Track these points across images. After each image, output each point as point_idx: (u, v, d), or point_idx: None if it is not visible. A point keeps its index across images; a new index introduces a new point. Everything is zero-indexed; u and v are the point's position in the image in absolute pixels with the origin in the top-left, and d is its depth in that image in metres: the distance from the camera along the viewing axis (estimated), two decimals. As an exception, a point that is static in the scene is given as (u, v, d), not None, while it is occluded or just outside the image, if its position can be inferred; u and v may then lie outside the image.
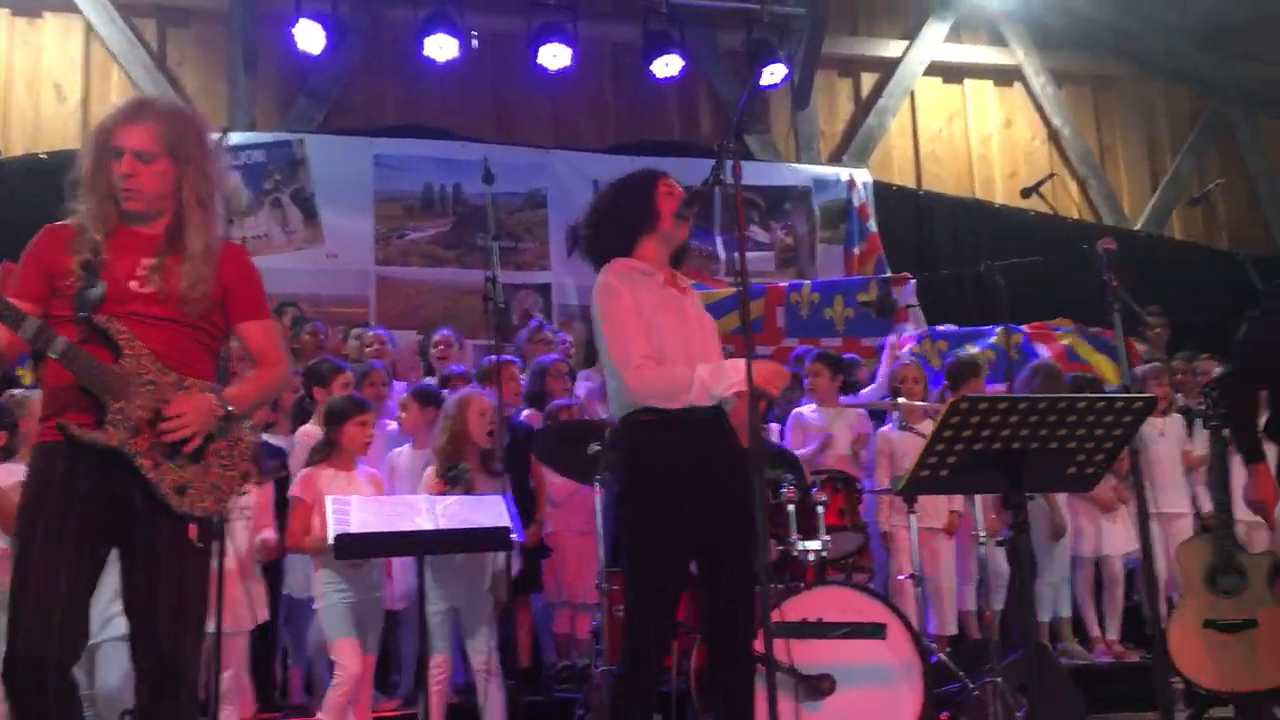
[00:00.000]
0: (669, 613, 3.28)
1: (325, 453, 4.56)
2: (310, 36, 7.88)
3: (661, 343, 3.26)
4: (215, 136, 2.96)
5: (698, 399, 3.16)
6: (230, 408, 2.78)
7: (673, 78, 8.54)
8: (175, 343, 2.75)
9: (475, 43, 8.21)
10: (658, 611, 3.23)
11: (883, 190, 9.20)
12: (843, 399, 6.32)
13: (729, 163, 2.98)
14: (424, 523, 3.99)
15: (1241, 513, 5.89)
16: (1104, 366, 7.09)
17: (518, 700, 4.73)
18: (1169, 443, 6.28)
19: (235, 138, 7.76)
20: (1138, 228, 9.86)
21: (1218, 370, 6.56)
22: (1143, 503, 4.05)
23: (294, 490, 4.45)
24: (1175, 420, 6.38)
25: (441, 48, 8.00)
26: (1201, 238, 9.87)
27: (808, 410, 6.10)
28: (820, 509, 4.42)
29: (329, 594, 4.32)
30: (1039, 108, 9.93)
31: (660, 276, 3.39)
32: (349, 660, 4.27)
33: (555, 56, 8.14)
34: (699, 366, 3.18)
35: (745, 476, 2.99)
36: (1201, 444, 6.03)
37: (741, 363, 3.06)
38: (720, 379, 3.16)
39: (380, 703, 4.96)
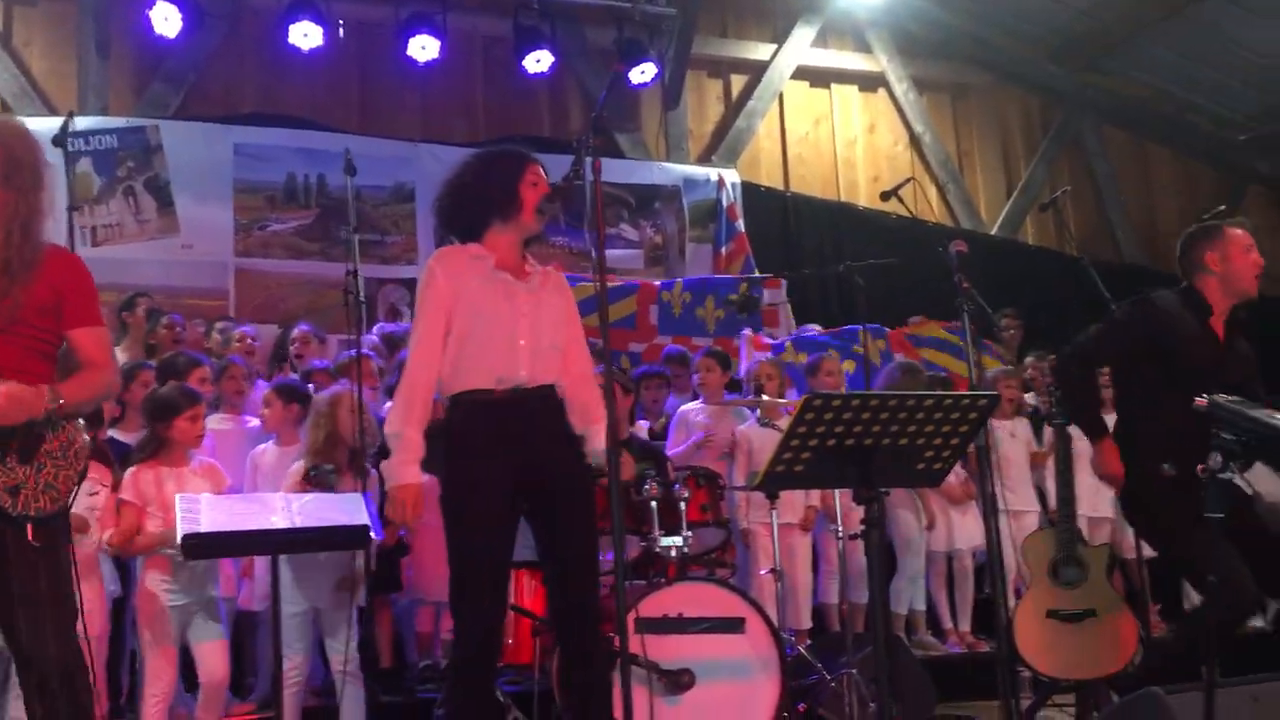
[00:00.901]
0: (492, 589, 3.25)
1: (152, 449, 4.38)
2: (167, 19, 7.61)
3: (476, 327, 3.28)
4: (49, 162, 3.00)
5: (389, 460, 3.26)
6: (61, 400, 2.78)
7: (544, 74, 8.51)
8: (2, 351, 2.77)
9: (341, 31, 8.04)
10: (479, 588, 3.21)
11: (751, 191, 9.32)
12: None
13: (589, 159, 2.97)
14: (279, 521, 3.89)
15: (1084, 507, 6.17)
16: (952, 367, 7.31)
17: (377, 701, 4.65)
18: (1018, 443, 6.51)
19: (86, 122, 7.43)
20: (994, 232, 10.21)
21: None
22: (988, 499, 4.19)
23: (121, 493, 4.29)
24: (1024, 422, 6.63)
25: (306, 35, 7.80)
26: (1053, 243, 10.27)
27: (694, 407, 6.15)
28: (683, 505, 4.47)
29: (156, 596, 4.22)
30: (901, 113, 10.19)
31: (491, 261, 3.38)
32: (161, 670, 4.18)
33: (424, 48, 8.02)
34: (411, 448, 3.23)
35: (567, 453, 3.00)
36: (1048, 444, 6.27)
37: (405, 475, 3.20)
38: (395, 474, 3.24)
39: (234, 706, 4.82)
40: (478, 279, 3.33)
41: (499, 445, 3.22)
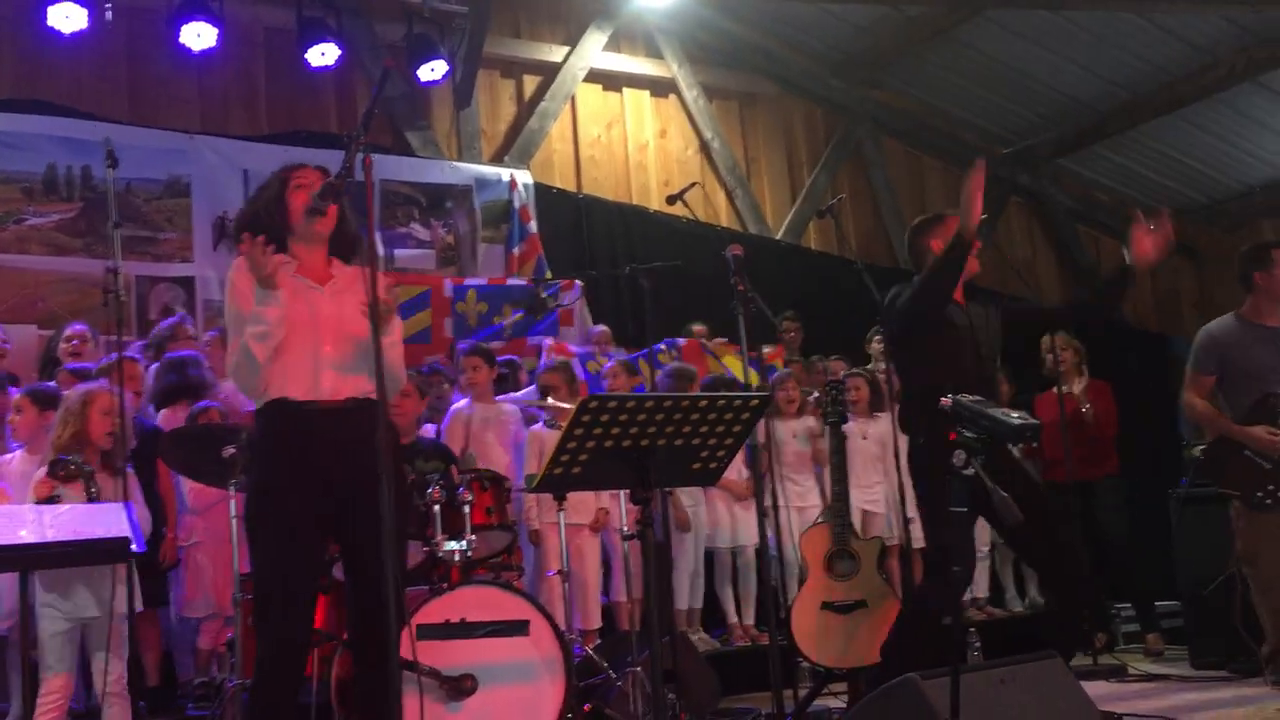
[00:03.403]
0: (297, 615, 3.18)
1: None
2: (-92, -6, 7.03)
3: (286, 335, 3.21)
4: None
5: (255, 347, 3.17)
6: None
7: (329, 67, 8.26)
8: None
9: (109, 14, 7.58)
10: (284, 613, 3.13)
11: (544, 192, 9.30)
12: (497, 398, 6.36)
13: (360, 155, 2.89)
14: (29, 535, 3.66)
15: (859, 501, 6.44)
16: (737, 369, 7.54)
17: (143, 722, 4.42)
18: (800, 441, 6.75)
19: None
20: (779, 237, 10.53)
21: (843, 372, 7.12)
22: (762, 495, 4.31)
23: None
24: (805, 421, 6.86)
25: (68, 17, 7.31)
26: (833, 249, 10.66)
27: (463, 405, 6.09)
28: (466, 508, 4.42)
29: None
30: (692, 120, 10.38)
31: (293, 266, 3.31)
32: None
33: (199, 36, 7.64)
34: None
35: (368, 469, 2.94)
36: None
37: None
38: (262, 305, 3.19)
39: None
40: (285, 284, 3.25)
41: (303, 461, 3.15)
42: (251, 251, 3.11)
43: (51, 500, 4.03)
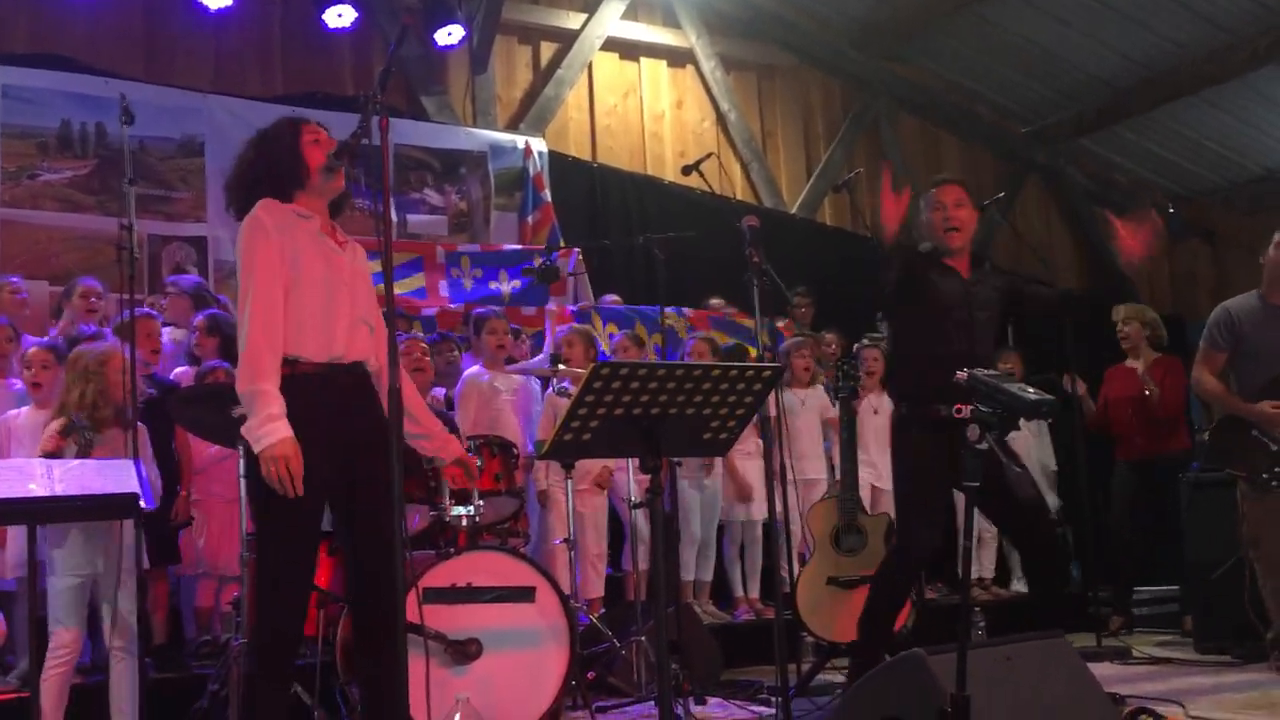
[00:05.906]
0: (301, 577, 3.18)
1: None
2: (-76, -54, 6.99)
3: (303, 292, 3.17)
4: None
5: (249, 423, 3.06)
6: None
7: (346, 29, 8.21)
8: None
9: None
10: (290, 576, 3.13)
11: (558, 160, 9.25)
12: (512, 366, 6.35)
13: (375, 117, 2.87)
14: (37, 488, 3.66)
15: (868, 477, 6.43)
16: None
17: (148, 678, 4.44)
18: (809, 412, 6.72)
19: None
20: (794, 212, 10.46)
21: (855, 346, 7.10)
22: (774, 468, 4.29)
23: None
24: (817, 391, 6.83)
25: (85, -27, 7.31)
26: (848, 224, 10.61)
27: (476, 371, 6.08)
28: (474, 474, 4.41)
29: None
30: (709, 90, 10.30)
31: (316, 223, 3.29)
32: None
33: (215, -6, 7.61)
34: (272, 403, 3.04)
35: (382, 436, 2.92)
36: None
37: (274, 431, 2.99)
38: (260, 433, 3.03)
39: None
40: (305, 239, 3.22)
41: (314, 423, 3.12)
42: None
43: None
